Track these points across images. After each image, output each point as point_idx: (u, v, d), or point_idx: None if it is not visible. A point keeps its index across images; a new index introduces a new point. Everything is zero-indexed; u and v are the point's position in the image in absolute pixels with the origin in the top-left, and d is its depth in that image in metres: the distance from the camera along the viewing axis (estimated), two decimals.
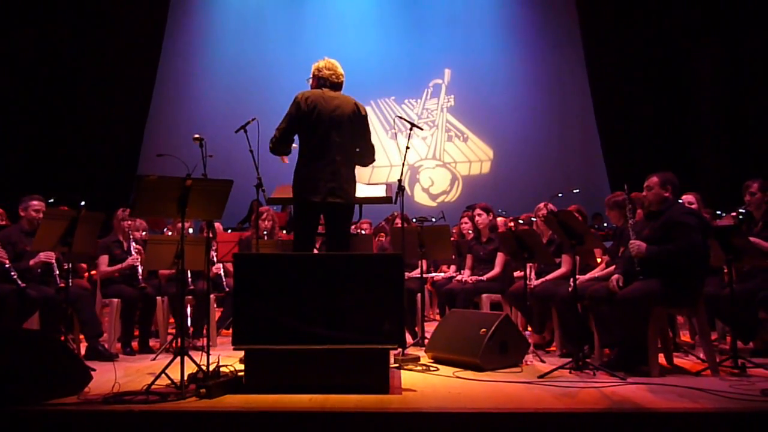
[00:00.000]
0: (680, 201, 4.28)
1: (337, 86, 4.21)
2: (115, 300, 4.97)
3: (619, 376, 3.63)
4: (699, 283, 3.89)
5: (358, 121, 4.15)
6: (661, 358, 4.03)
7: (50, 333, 4.34)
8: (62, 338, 4.01)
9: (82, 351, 4.62)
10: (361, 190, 4.48)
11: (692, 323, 5.01)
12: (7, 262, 4.30)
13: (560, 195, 8.13)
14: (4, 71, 10.07)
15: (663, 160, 9.44)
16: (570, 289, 4.22)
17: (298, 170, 4.08)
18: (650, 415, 2.96)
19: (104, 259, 5.11)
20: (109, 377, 3.55)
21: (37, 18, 10.49)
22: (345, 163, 4.09)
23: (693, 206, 4.66)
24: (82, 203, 6.33)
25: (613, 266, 4.39)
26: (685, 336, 5.31)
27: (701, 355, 4.18)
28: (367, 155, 4.31)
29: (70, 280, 4.31)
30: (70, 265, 4.38)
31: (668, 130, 10.17)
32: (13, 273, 4.30)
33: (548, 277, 4.88)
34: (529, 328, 5.07)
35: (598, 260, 4.98)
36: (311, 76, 4.26)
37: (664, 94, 10.30)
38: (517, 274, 5.49)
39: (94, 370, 3.53)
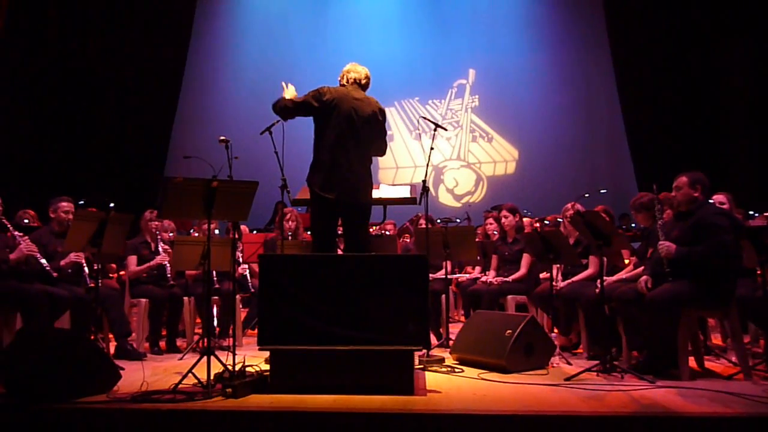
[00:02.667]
0: (711, 201, 4.19)
1: (363, 87, 4.22)
2: (143, 300, 5.05)
3: (648, 379, 3.57)
4: (731, 285, 3.81)
5: (377, 124, 4.15)
6: (692, 362, 3.95)
7: (80, 332, 4.42)
8: (92, 337, 4.09)
9: (111, 350, 4.69)
10: (386, 191, 4.48)
11: (724, 326, 4.91)
12: (38, 253, 4.36)
13: (587, 195, 8.03)
14: (35, 75, 10.30)
15: (692, 160, 9.25)
16: (597, 290, 4.16)
17: (314, 166, 4.07)
18: (680, 419, 2.90)
19: (133, 260, 5.19)
20: (138, 376, 3.60)
21: (66, 21, 10.72)
22: (361, 162, 4.08)
23: (724, 206, 4.55)
24: (111, 205, 6.45)
25: (642, 267, 4.32)
26: (716, 339, 5.20)
27: (733, 359, 4.09)
28: (377, 152, 4.30)
29: (100, 281, 4.39)
30: (100, 266, 4.45)
31: (698, 129, 9.96)
32: (46, 265, 4.38)
33: (575, 278, 4.82)
34: (556, 330, 5.01)
35: (626, 261, 4.90)
36: (339, 81, 4.27)
37: (693, 92, 10.10)
38: (543, 275, 5.44)
39: (122, 369, 3.59)
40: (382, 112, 4.21)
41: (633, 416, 2.92)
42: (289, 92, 4.15)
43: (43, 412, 3.02)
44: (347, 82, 4.21)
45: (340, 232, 4.27)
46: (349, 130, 4.02)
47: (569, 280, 4.82)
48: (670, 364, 3.72)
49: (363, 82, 4.23)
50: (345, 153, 4.01)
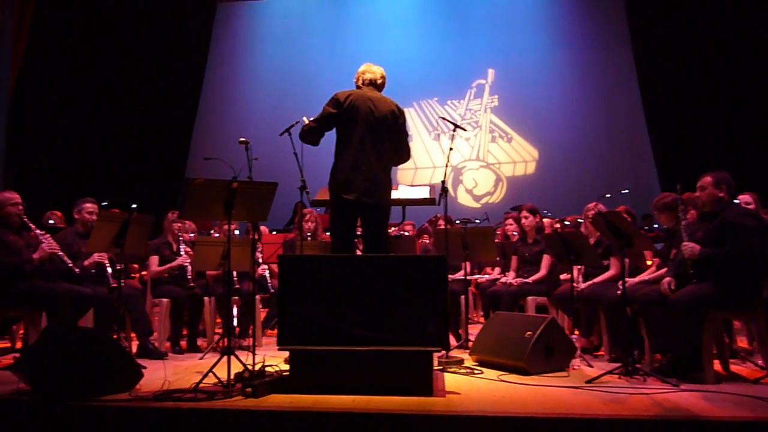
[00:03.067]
0: (736, 201, 4.12)
1: (379, 87, 4.23)
2: (165, 300, 5.10)
3: (672, 382, 3.51)
4: (757, 287, 3.73)
5: (396, 123, 4.15)
6: (717, 365, 3.88)
7: (104, 331, 4.48)
8: (115, 337, 4.14)
9: (134, 349, 4.75)
10: (405, 192, 4.47)
11: (750, 328, 4.82)
12: (59, 250, 4.42)
13: (608, 196, 7.94)
14: (61, 81, 10.48)
15: (717, 159, 9.10)
16: (619, 292, 4.11)
17: (335, 168, 4.09)
18: (705, 423, 2.85)
19: (155, 260, 5.25)
20: (159, 375, 3.64)
21: (90, 28, 10.89)
22: (381, 164, 4.08)
23: (750, 207, 4.47)
24: (134, 206, 6.53)
25: (665, 269, 4.25)
26: (742, 342, 5.11)
27: (760, 362, 4.02)
28: (401, 155, 4.30)
29: (122, 281, 4.44)
30: (123, 266, 4.51)
31: (723, 127, 9.80)
32: (68, 263, 4.44)
33: (596, 279, 4.77)
34: (576, 332, 4.96)
35: (649, 263, 4.83)
36: (354, 83, 4.28)
37: (717, 90, 9.94)
38: (563, 276, 5.39)
39: (144, 367, 3.63)
40: (401, 112, 4.20)
41: (656, 420, 2.87)
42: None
43: (67, 409, 3.06)
44: (363, 83, 4.22)
45: (358, 233, 4.28)
46: (368, 131, 4.03)
47: (590, 282, 4.77)
48: (694, 367, 3.65)
49: (379, 82, 4.23)
50: (364, 154, 4.01)
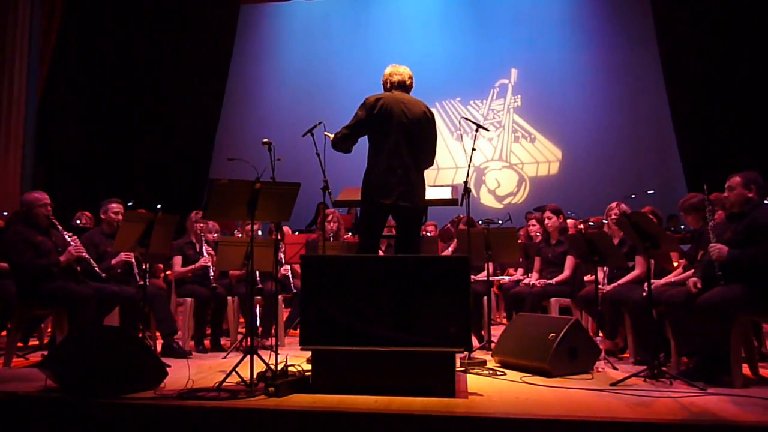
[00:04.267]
0: (766, 202, 4.02)
1: (408, 88, 4.23)
2: (189, 299, 5.16)
3: (699, 386, 3.44)
4: None
5: (428, 125, 4.16)
6: (745, 369, 3.80)
7: (129, 330, 4.54)
8: (140, 335, 4.19)
9: (158, 348, 4.81)
10: (427, 192, 4.46)
11: None
12: (85, 253, 4.48)
13: (633, 196, 7.84)
14: (87, 82, 10.66)
15: (745, 159, 8.91)
16: (644, 293, 4.05)
17: (370, 172, 4.10)
18: (733, 428, 2.79)
19: (178, 260, 5.31)
20: (183, 374, 3.68)
21: (116, 31, 11.07)
22: (415, 167, 4.10)
23: None
24: (159, 206, 6.61)
25: (691, 270, 4.18)
26: None
27: None
28: (429, 159, 4.28)
29: (147, 280, 4.50)
30: (148, 265, 4.57)
31: (751, 127, 9.59)
32: (94, 265, 4.51)
33: (621, 281, 4.70)
34: (601, 334, 4.89)
35: (675, 264, 4.75)
36: (383, 85, 4.28)
37: (744, 89, 9.72)
38: (587, 278, 5.32)
39: (169, 366, 3.66)
40: (431, 114, 4.21)
41: (682, 424, 2.82)
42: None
43: (94, 406, 3.11)
44: (391, 85, 4.22)
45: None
46: (402, 134, 4.05)
47: (615, 284, 4.70)
48: (721, 371, 3.58)
49: (408, 83, 4.24)
50: (400, 158, 4.03)
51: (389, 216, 4.19)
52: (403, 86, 4.21)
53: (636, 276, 4.63)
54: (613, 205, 5.05)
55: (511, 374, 3.94)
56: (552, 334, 3.93)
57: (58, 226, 4.52)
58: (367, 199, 4.09)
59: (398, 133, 4.03)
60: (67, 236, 4.49)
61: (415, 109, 4.11)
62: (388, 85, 4.24)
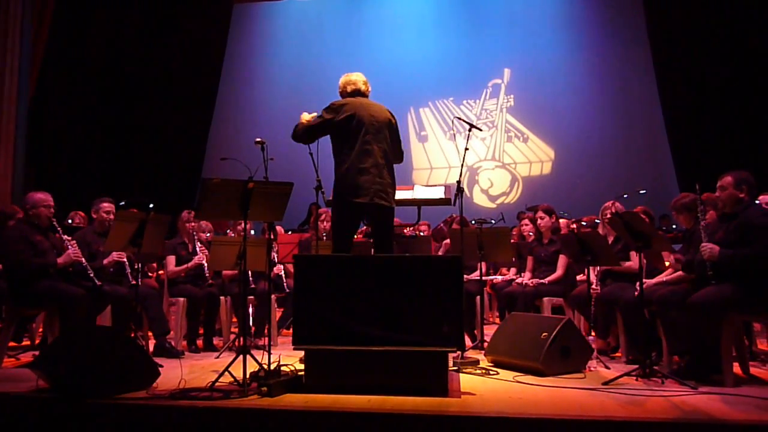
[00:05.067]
0: (757, 202, 4.06)
1: (365, 94, 4.33)
2: (181, 299, 5.14)
3: (690, 385, 3.47)
4: None
5: (392, 128, 4.28)
6: (736, 368, 3.83)
7: (121, 330, 4.53)
8: (132, 335, 4.18)
9: (151, 348, 4.79)
10: (420, 192, 4.47)
11: None
12: (83, 260, 4.49)
13: (625, 196, 7.84)
14: (78, 82, 10.61)
15: (737, 159, 8.96)
16: (636, 293, 4.07)
17: (343, 174, 4.13)
18: (724, 426, 2.81)
19: (171, 260, 5.30)
20: (176, 373, 3.67)
21: (108, 30, 11.01)
22: (387, 166, 4.18)
23: None
24: (151, 205, 6.57)
25: (681, 273, 4.19)
26: (762, 344, 5.04)
27: None
28: (399, 157, 4.41)
29: (140, 280, 4.48)
30: (140, 265, 4.55)
31: (742, 127, 9.65)
32: (90, 272, 4.50)
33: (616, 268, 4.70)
34: (593, 333, 4.92)
35: (666, 264, 4.77)
36: (339, 94, 4.35)
37: (736, 89, 9.79)
38: (579, 277, 5.34)
39: (161, 366, 3.65)
40: (395, 119, 4.33)
41: (674, 423, 2.84)
42: (306, 116, 4.28)
43: (86, 407, 3.09)
44: (347, 95, 4.31)
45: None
46: (372, 136, 4.13)
47: (605, 266, 4.70)
48: (713, 370, 3.61)
49: (363, 89, 4.34)
50: (373, 158, 4.10)
51: (364, 216, 4.24)
52: (359, 93, 4.31)
53: (628, 267, 4.65)
54: (608, 204, 5.07)
55: (504, 373, 3.95)
56: (544, 334, 3.94)
57: (58, 228, 4.51)
58: (340, 199, 4.13)
59: (367, 135, 4.11)
60: (66, 239, 4.48)
61: (381, 113, 4.22)
62: (345, 95, 4.34)
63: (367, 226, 4.55)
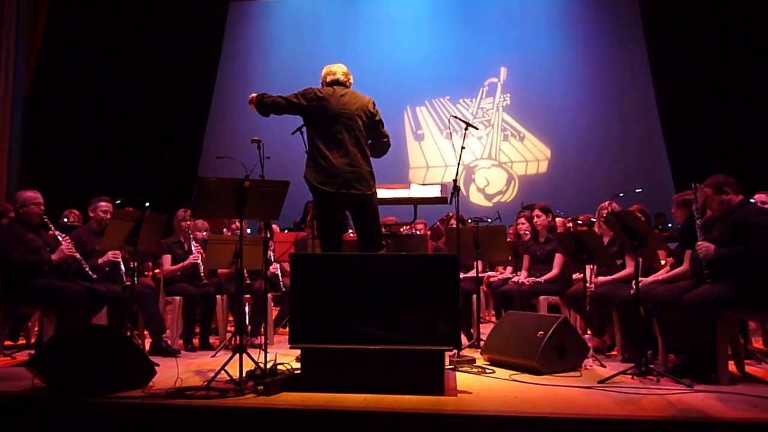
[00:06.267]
0: (752, 200, 4.07)
1: (344, 84, 4.28)
2: (178, 298, 5.14)
3: (686, 383, 3.48)
4: None
5: (370, 116, 4.20)
6: (732, 366, 3.84)
7: (117, 329, 4.52)
8: (128, 334, 4.17)
9: (147, 347, 4.78)
10: (416, 191, 4.46)
11: (766, 329, 4.77)
12: (77, 254, 4.49)
13: (621, 195, 7.89)
14: (74, 80, 10.58)
15: (732, 158, 9.01)
16: (632, 291, 4.08)
17: (312, 163, 4.10)
18: (719, 424, 2.82)
19: (167, 259, 5.28)
20: (172, 372, 3.67)
21: (103, 27, 10.98)
22: (360, 155, 4.11)
23: (767, 206, 4.42)
24: (147, 204, 6.56)
25: (679, 269, 4.20)
26: (757, 343, 5.05)
27: None
28: (380, 147, 4.33)
29: (135, 279, 4.48)
30: (136, 264, 4.54)
31: (737, 126, 9.68)
32: (85, 266, 4.50)
33: (609, 278, 4.72)
34: (589, 332, 4.93)
35: (662, 262, 4.79)
36: (321, 85, 4.33)
37: (732, 88, 9.82)
38: (576, 276, 5.36)
39: (157, 365, 3.65)
40: (373, 105, 4.24)
41: (669, 421, 2.85)
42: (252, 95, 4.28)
43: (81, 405, 3.09)
44: (327, 85, 4.28)
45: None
46: (345, 126, 4.09)
47: (603, 279, 4.73)
48: (708, 368, 3.62)
49: (342, 79, 4.29)
50: (344, 148, 4.06)
51: (342, 206, 4.15)
52: (338, 83, 4.27)
53: (625, 275, 4.66)
54: (605, 204, 5.09)
55: (500, 372, 3.95)
56: (541, 332, 3.95)
57: (50, 225, 4.50)
58: (313, 189, 4.09)
59: (337, 125, 4.08)
60: (59, 236, 4.47)
61: (355, 102, 4.16)
62: (326, 79, 4.31)
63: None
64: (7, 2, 8.67)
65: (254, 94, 4.27)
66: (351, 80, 4.34)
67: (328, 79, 4.30)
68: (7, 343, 4.92)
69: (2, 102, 8.62)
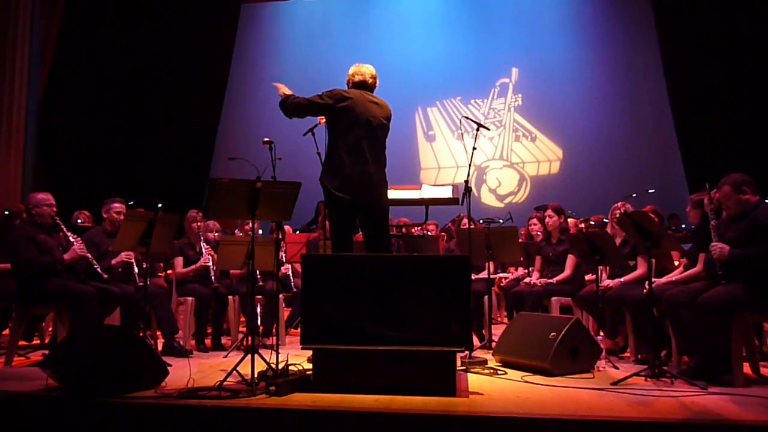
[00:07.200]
0: (767, 201, 4.02)
1: (370, 87, 4.25)
2: (190, 298, 5.16)
3: (700, 385, 3.45)
4: None
5: (387, 128, 4.21)
6: (746, 368, 3.80)
7: (130, 329, 4.55)
8: (141, 335, 4.20)
9: (159, 347, 4.81)
10: (428, 191, 4.46)
11: None
12: (89, 255, 4.52)
13: (634, 195, 7.83)
14: (87, 82, 10.67)
15: (746, 157, 8.91)
16: (645, 291, 4.04)
17: (329, 166, 4.09)
18: (734, 427, 2.79)
19: (179, 261, 5.31)
20: (184, 373, 3.68)
21: (117, 30, 11.08)
22: (378, 164, 4.10)
23: None
24: (159, 205, 6.60)
25: (693, 270, 4.16)
26: None
27: None
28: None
29: (148, 279, 4.51)
30: (149, 265, 4.57)
31: (752, 125, 9.58)
32: (96, 266, 4.53)
33: (622, 278, 4.67)
34: (601, 333, 4.90)
35: (676, 263, 4.75)
36: (346, 83, 4.29)
37: (745, 87, 9.71)
38: (588, 277, 5.32)
39: (170, 365, 3.66)
40: (390, 117, 4.24)
41: (683, 423, 2.82)
42: (283, 88, 4.20)
43: (95, 406, 3.11)
44: (354, 85, 4.25)
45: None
46: (366, 132, 4.06)
47: (616, 280, 4.68)
48: (723, 370, 3.58)
49: (369, 82, 4.25)
50: (362, 154, 4.04)
51: (355, 212, 4.14)
52: (365, 85, 4.22)
53: (638, 276, 4.62)
54: (618, 204, 5.05)
55: (512, 373, 3.94)
56: (553, 334, 3.93)
57: (62, 226, 4.54)
58: (328, 194, 4.07)
59: (362, 131, 4.05)
60: (71, 237, 4.51)
61: (379, 110, 4.15)
62: (350, 84, 4.27)
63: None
64: (21, 6, 8.76)
65: (284, 91, 4.19)
66: (377, 84, 4.29)
67: (356, 78, 4.24)
68: (22, 343, 4.97)
69: (17, 104, 8.72)
